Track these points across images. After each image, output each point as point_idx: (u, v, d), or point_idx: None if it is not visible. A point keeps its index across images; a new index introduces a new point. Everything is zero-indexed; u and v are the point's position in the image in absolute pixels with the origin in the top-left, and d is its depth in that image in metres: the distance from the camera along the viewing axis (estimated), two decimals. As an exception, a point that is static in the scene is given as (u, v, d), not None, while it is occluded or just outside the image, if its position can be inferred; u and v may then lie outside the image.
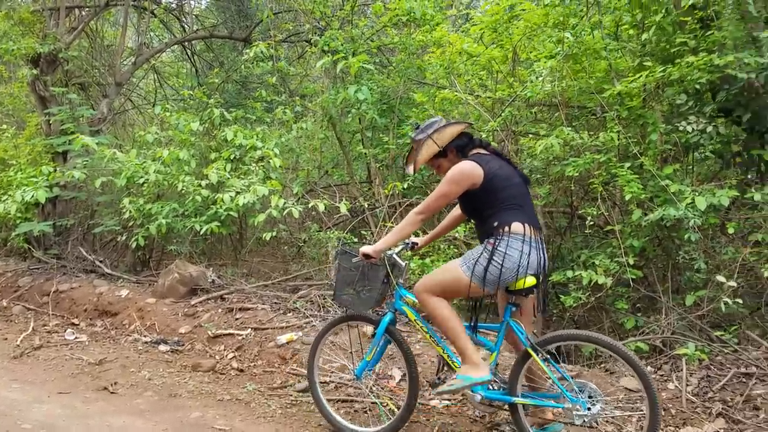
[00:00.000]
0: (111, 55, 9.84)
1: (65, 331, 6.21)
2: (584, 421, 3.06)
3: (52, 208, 8.19)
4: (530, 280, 3.16)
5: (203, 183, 6.42)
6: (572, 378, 3.16)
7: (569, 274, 4.84)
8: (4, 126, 9.26)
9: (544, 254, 3.27)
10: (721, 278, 4.29)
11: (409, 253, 4.02)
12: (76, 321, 6.61)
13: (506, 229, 3.14)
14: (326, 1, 7.68)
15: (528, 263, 3.13)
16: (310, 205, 6.19)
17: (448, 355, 3.42)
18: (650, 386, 2.94)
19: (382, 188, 6.49)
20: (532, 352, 3.15)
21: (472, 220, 3.54)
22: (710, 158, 4.75)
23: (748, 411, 3.71)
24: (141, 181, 6.52)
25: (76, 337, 6.01)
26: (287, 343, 5.18)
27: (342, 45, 6.68)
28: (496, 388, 3.34)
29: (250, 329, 5.54)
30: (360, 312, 3.67)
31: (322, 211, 6.15)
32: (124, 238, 7.26)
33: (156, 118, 9.06)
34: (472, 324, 3.40)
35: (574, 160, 4.91)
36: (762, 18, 4.43)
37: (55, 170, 7.55)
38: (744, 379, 3.99)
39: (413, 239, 3.87)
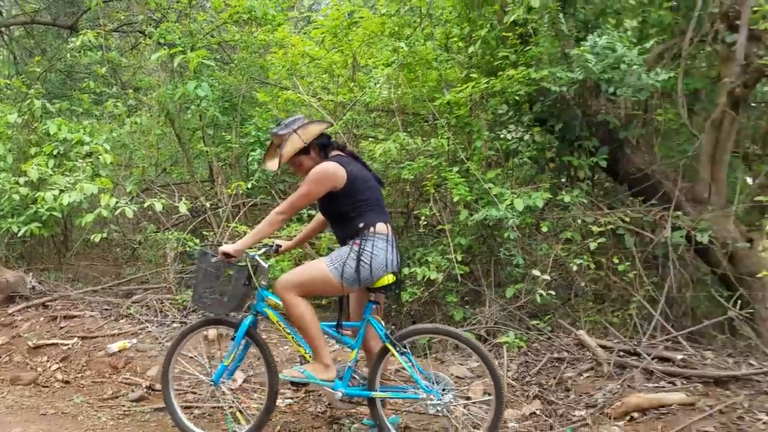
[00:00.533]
0: None
1: None
2: (438, 410, 3.25)
3: None
4: (390, 278, 3.29)
5: (21, 180, 5.90)
6: (425, 370, 3.35)
7: (405, 270, 5.08)
8: None
9: (398, 252, 3.41)
10: (536, 272, 4.75)
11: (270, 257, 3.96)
12: None
13: (372, 229, 3.22)
14: (162, -9, 7.32)
15: (391, 262, 3.25)
16: (146, 205, 5.89)
17: (309, 355, 3.43)
18: (494, 370, 3.22)
19: (225, 187, 6.33)
20: (390, 347, 3.27)
21: (330, 222, 3.54)
22: (527, 164, 5.24)
23: (560, 392, 4.13)
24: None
25: None
26: (119, 351, 4.88)
27: (180, 38, 6.42)
28: (355, 384, 3.42)
29: (76, 338, 5.17)
30: (220, 315, 3.55)
31: (160, 211, 5.86)
32: None
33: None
34: (338, 322, 3.45)
35: (410, 163, 5.16)
36: (573, 36, 4.97)
37: None
38: (557, 364, 4.44)
39: (277, 242, 3.81)
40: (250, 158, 6.14)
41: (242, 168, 6.85)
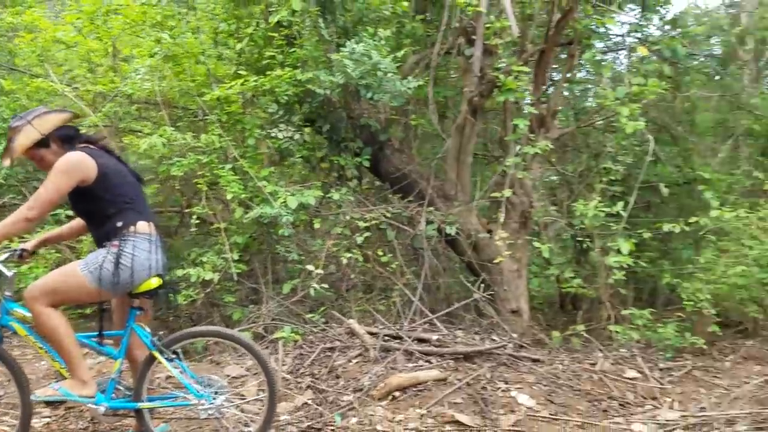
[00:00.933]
0: None
1: None
2: (209, 414, 3.18)
3: None
4: (155, 281, 3.07)
5: None
6: (197, 374, 3.26)
7: (179, 272, 4.91)
8: None
9: (164, 253, 3.24)
10: (310, 267, 4.94)
11: (15, 263, 3.46)
12: None
13: (132, 229, 2.99)
14: None
15: (155, 264, 3.06)
16: None
17: (64, 368, 3.11)
18: (267, 367, 3.22)
19: None
20: (157, 355, 3.11)
21: (86, 221, 3.24)
22: (300, 163, 5.40)
23: (331, 380, 4.34)
24: None
25: None
26: None
27: None
28: (120, 396, 3.20)
29: None
30: None
31: None
32: None
33: None
34: (99, 332, 3.18)
35: (179, 160, 4.99)
36: (333, 41, 5.21)
37: None
38: (329, 353, 4.66)
39: (22, 246, 3.35)
40: None
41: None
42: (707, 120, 8.15)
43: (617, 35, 7.89)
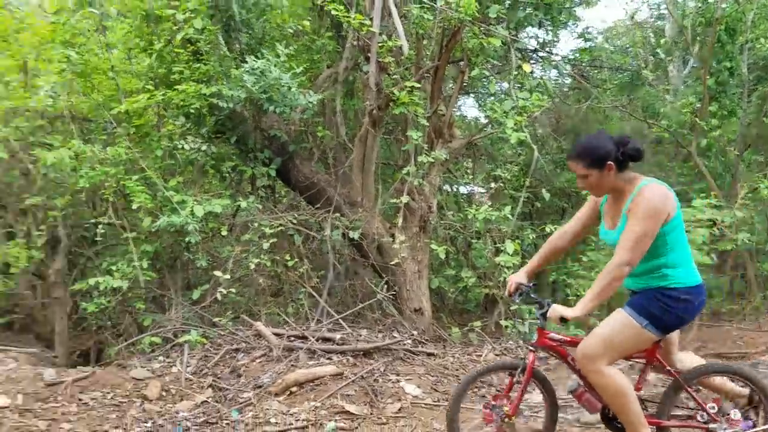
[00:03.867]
0: None
1: None
2: None
3: None
4: None
5: None
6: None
7: (91, 281, 5.03)
8: None
9: None
10: (218, 273, 5.14)
11: None
12: None
13: None
14: None
15: None
16: None
17: None
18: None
19: None
20: None
21: None
22: (210, 172, 5.61)
23: (232, 379, 4.55)
24: None
25: None
26: None
27: None
28: None
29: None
30: None
31: None
32: None
33: None
34: None
35: (88, 171, 5.12)
36: (237, 58, 5.46)
37: None
38: (234, 354, 4.87)
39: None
40: None
41: None
42: (616, 128, 8.78)
43: (531, 51, 8.48)
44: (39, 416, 3.88)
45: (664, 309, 2.75)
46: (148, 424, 3.92)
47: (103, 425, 3.90)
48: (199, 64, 5.12)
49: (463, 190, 7.63)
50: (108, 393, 4.30)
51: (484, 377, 4.11)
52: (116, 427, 3.89)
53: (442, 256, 5.39)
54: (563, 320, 2.83)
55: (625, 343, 2.83)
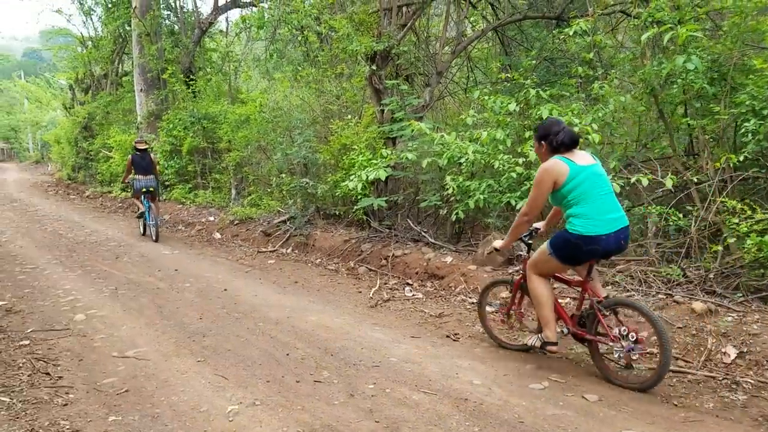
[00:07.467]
0: (432, 46, 10.23)
1: (403, 288, 6.78)
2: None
3: (385, 185, 8.81)
4: None
5: (520, 161, 6.53)
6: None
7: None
8: (348, 116, 9.82)
9: None
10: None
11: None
12: (410, 281, 7.09)
13: None
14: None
15: None
16: (632, 180, 5.93)
17: None
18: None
19: (711, 161, 5.96)
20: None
21: None
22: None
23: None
24: (461, 160, 6.87)
25: (413, 294, 6.52)
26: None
27: (667, 15, 6.12)
28: None
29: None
30: None
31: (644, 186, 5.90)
32: (444, 212, 7.78)
33: (474, 102, 9.04)
34: None
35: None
36: None
37: (391, 153, 7.89)
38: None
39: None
40: (742, 129, 5.62)
41: (729, 140, 6.30)
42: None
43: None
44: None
45: (561, 246, 3.83)
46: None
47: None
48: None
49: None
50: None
51: (492, 288, 5.07)
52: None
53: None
54: (496, 249, 4.34)
55: (541, 263, 3.98)
